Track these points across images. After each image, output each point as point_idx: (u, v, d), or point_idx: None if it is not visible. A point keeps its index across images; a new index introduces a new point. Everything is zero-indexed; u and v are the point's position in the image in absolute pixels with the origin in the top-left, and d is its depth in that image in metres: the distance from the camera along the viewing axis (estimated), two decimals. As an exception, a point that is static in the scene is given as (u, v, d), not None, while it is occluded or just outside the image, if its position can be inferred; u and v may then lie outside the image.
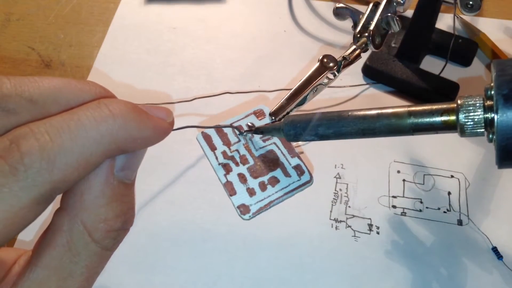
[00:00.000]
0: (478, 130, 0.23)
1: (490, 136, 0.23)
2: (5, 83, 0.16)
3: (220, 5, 0.57)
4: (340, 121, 0.25)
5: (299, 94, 0.33)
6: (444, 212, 0.41)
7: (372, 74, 0.49)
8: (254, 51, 0.52)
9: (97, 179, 0.17)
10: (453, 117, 0.23)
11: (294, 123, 0.26)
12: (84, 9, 0.57)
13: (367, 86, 0.49)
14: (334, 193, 0.42)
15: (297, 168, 0.30)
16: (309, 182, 0.29)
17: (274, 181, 0.29)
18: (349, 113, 0.25)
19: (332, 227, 0.40)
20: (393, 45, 0.50)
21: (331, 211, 0.41)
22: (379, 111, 0.25)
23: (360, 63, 0.50)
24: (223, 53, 0.52)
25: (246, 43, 0.53)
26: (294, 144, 0.31)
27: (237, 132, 0.30)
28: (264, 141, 0.31)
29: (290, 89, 0.34)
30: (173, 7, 0.57)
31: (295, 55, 0.52)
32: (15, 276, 0.17)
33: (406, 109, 0.24)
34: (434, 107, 0.24)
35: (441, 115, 0.23)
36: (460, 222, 0.40)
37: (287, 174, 0.29)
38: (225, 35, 0.54)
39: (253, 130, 0.29)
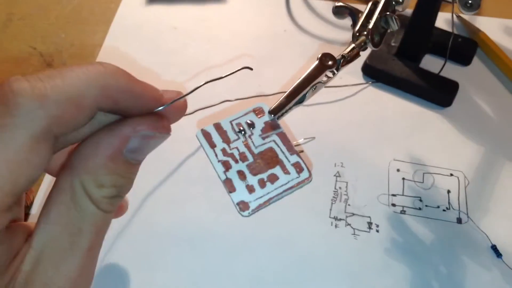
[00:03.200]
0: None
1: None
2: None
3: (220, 5, 0.57)
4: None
5: (298, 92, 0.33)
6: (444, 210, 0.41)
7: (371, 72, 0.50)
8: (255, 51, 0.53)
9: (104, 151, 0.18)
10: None
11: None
12: (85, 9, 0.58)
13: (367, 84, 0.49)
14: (334, 191, 0.42)
15: (296, 165, 0.30)
16: (308, 179, 0.29)
17: (273, 178, 0.29)
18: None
19: (331, 225, 0.40)
20: (392, 44, 0.50)
21: (330, 209, 0.41)
22: None
23: (360, 62, 0.50)
24: (223, 53, 0.52)
25: (247, 43, 0.54)
26: (293, 142, 0.31)
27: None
28: (263, 138, 0.31)
29: (289, 88, 0.34)
30: (174, 7, 0.57)
31: (295, 55, 0.52)
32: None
33: None
34: None
35: None
36: (459, 220, 0.40)
37: (286, 171, 0.30)
38: (226, 35, 0.54)
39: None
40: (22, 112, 0.15)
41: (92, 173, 0.18)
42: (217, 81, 0.45)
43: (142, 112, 0.20)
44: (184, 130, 0.48)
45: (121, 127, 0.19)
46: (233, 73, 0.23)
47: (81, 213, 0.17)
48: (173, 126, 0.51)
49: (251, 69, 0.24)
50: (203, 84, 0.22)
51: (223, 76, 0.24)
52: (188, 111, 0.48)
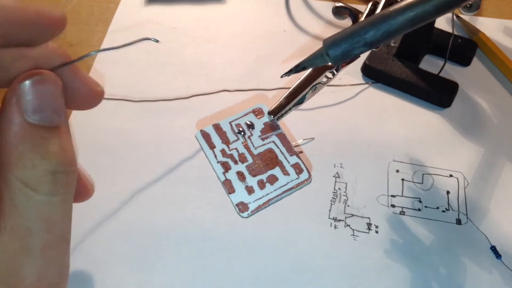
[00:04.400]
0: None
1: None
2: None
3: (220, 5, 0.57)
4: (384, 20, 0.23)
5: (298, 92, 0.33)
6: (443, 211, 0.41)
7: (371, 73, 0.49)
8: (254, 51, 0.53)
9: (11, 130, 0.16)
10: None
11: (336, 42, 0.24)
12: (84, 9, 0.57)
13: (366, 85, 0.49)
14: (333, 192, 0.42)
15: (296, 166, 0.30)
16: (308, 180, 0.29)
17: (273, 179, 0.29)
18: (390, 9, 0.23)
19: (331, 226, 0.40)
20: (392, 44, 0.50)
21: (330, 210, 0.41)
22: None
23: (359, 63, 0.50)
24: (223, 53, 0.52)
25: (246, 43, 0.53)
26: (292, 143, 0.31)
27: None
28: (263, 139, 0.31)
29: (289, 88, 0.34)
30: (173, 7, 0.57)
31: (295, 55, 0.52)
32: None
33: None
34: None
35: None
36: (459, 221, 0.40)
37: (285, 172, 0.29)
38: (225, 35, 0.54)
39: (294, 69, 0.27)
40: None
41: (16, 161, 0.16)
42: (216, 81, 0.45)
43: (42, 38, 0.18)
44: (183, 131, 0.48)
45: (6, 97, 0.17)
46: (132, 43, 0.21)
47: (24, 212, 0.16)
48: (172, 126, 0.51)
49: (157, 41, 0.22)
50: (94, 53, 0.21)
51: (120, 45, 0.21)
52: (184, 95, 0.48)
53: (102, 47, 0.53)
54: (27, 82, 0.17)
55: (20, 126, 0.16)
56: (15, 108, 0.16)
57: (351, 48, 0.24)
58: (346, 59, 0.25)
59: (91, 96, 0.20)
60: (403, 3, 0.23)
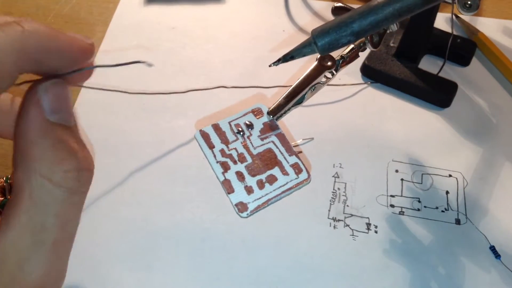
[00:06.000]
0: None
1: None
2: None
3: (219, 5, 0.57)
4: (372, 10, 0.24)
5: (297, 92, 0.33)
6: (442, 211, 0.41)
7: (370, 73, 0.49)
8: (253, 51, 0.52)
9: (32, 127, 0.17)
10: None
11: (324, 31, 0.24)
12: (83, 9, 0.57)
13: (366, 85, 0.49)
14: (333, 192, 0.42)
15: (295, 166, 0.30)
16: (307, 180, 0.29)
17: (272, 179, 0.29)
18: (376, 1, 0.24)
19: (330, 226, 0.40)
20: (391, 44, 0.50)
21: (329, 210, 0.41)
22: None
23: (359, 63, 0.50)
24: (222, 53, 0.52)
25: (245, 43, 0.53)
26: (292, 143, 0.31)
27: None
28: (262, 139, 0.31)
29: (287, 86, 0.34)
30: (173, 7, 0.57)
31: (294, 55, 0.52)
32: None
33: None
34: None
35: None
36: (458, 221, 0.40)
37: (285, 172, 0.30)
38: (225, 35, 0.54)
39: (283, 58, 0.27)
40: None
41: (39, 156, 0.17)
42: (216, 80, 0.45)
43: (71, 65, 0.18)
44: (182, 131, 0.48)
45: (26, 99, 0.18)
46: (127, 64, 0.22)
47: (42, 208, 0.17)
48: (172, 126, 0.51)
49: (150, 65, 0.22)
50: (96, 67, 0.21)
51: (115, 64, 0.22)
52: (179, 89, 0.48)
53: (102, 47, 0.53)
54: (46, 84, 0.17)
55: (41, 123, 0.17)
56: (36, 106, 0.17)
57: (338, 37, 0.24)
58: (334, 48, 0.25)
59: (79, 56, 0.19)
60: None
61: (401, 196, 0.42)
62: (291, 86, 0.34)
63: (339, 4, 0.41)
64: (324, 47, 0.25)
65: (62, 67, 0.18)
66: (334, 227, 0.40)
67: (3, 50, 0.16)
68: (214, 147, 0.30)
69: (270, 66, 0.28)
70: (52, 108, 0.17)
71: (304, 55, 0.27)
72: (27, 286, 0.17)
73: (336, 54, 0.37)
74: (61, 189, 0.17)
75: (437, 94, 0.47)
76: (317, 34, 0.25)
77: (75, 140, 0.18)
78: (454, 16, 0.54)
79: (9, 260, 0.17)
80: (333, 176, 0.43)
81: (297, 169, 0.30)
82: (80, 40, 0.18)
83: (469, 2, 0.41)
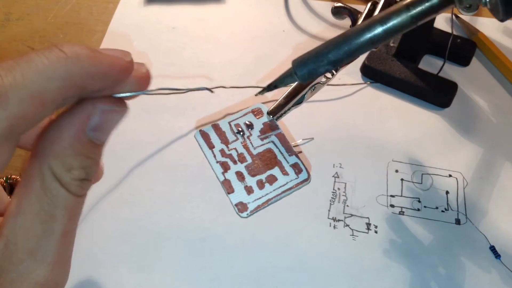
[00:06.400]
0: None
1: None
2: None
3: (219, 5, 0.57)
4: (346, 40, 0.25)
5: (297, 92, 0.33)
6: (442, 211, 0.41)
7: (370, 73, 0.49)
8: (253, 51, 0.52)
9: (68, 133, 0.18)
10: None
11: (303, 61, 0.26)
12: (83, 9, 0.57)
13: (365, 85, 0.49)
14: (332, 192, 0.42)
15: (295, 166, 0.30)
16: (307, 180, 0.29)
17: (272, 179, 0.29)
18: (350, 31, 0.25)
19: (330, 226, 0.40)
20: (391, 44, 0.50)
21: (329, 210, 0.41)
22: (379, 16, 0.25)
23: (358, 63, 0.50)
24: (222, 53, 0.52)
25: (245, 43, 0.53)
26: (292, 143, 0.31)
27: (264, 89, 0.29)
28: (262, 139, 0.31)
29: (287, 87, 0.34)
30: (173, 7, 0.57)
31: (294, 55, 0.52)
32: None
33: (403, 3, 0.24)
34: None
35: None
36: (458, 221, 0.40)
37: (284, 172, 0.30)
38: (225, 35, 0.54)
39: (267, 87, 0.28)
40: None
41: (59, 156, 0.17)
42: (216, 80, 0.45)
43: (112, 86, 0.19)
44: (182, 131, 0.48)
45: (80, 106, 0.18)
46: (192, 90, 0.23)
47: (52, 199, 0.17)
48: (171, 126, 0.51)
49: (212, 91, 0.24)
50: (161, 89, 0.22)
51: (183, 91, 0.23)
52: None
53: (102, 47, 0.53)
54: (105, 107, 0.19)
55: (78, 133, 0.18)
56: (83, 119, 0.18)
57: (316, 67, 0.26)
58: (313, 77, 0.26)
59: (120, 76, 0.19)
60: (363, 25, 0.25)
61: (401, 196, 0.42)
62: (291, 86, 0.34)
63: (339, 4, 0.41)
64: (303, 77, 0.26)
65: (103, 89, 0.18)
66: (334, 227, 0.40)
67: (47, 78, 0.16)
68: (214, 147, 0.30)
69: (256, 95, 0.30)
70: (95, 127, 0.18)
71: (286, 84, 0.28)
72: (39, 276, 0.17)
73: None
74: (67, 191, 0.18)
75: (437, 94, 0.47)
76: (297, 64, 0.26)
77: (94, 155, 0.19)
78: (454, 16, 0.54)
79: (20, 249, 0.17)
80: (333, 176, 0.43)
81: (297, 169, 0.30)
82: (120, 59, 0.19)
83: (469, 2, 0.41)
